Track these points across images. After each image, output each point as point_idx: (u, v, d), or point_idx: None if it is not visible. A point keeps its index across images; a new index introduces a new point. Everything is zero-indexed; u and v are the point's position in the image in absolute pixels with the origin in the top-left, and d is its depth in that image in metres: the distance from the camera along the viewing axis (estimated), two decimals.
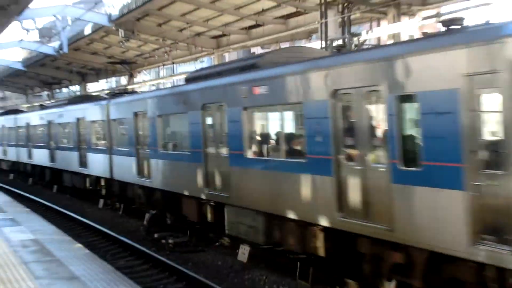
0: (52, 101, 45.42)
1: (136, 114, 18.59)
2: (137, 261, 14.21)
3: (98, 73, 44.53)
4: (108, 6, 29.93)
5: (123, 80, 44.68)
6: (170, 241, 15.43)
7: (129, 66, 31.92)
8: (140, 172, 18.37)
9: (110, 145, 21.13)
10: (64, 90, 54.93)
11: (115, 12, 27.44)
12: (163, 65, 39.01)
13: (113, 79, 49.77)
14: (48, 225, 13.72)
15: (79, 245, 11.74)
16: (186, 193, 15.70)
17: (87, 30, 32.08)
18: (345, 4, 20.78)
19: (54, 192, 28.90)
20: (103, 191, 23.23)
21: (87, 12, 28.37)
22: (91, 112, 23.07)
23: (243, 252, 13.22)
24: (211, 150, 14.50)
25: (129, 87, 34.25)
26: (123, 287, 8.18)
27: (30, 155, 32.35)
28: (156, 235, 16.18)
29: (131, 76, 23.66)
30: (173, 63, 36.55)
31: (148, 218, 17.32)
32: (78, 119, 24.35)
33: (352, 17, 21.40)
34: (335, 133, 9.97)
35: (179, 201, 16.41)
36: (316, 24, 21.67)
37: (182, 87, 16.67)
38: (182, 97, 15.78)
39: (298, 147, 11.64)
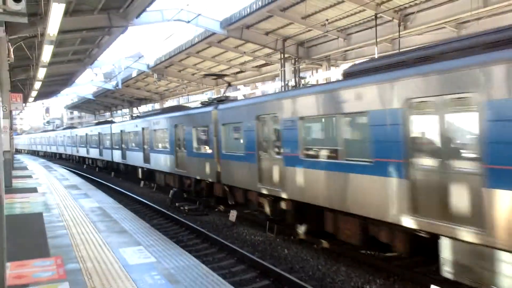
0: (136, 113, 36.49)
1: (258, 118, 11.28)
2: (164, 220, 13.98)
3: (140, 101, 44.22)
4: (147, 58, 30.00)
5: (156, 105, 44.16)
6: (186, 208, 15.15)
7: (226, 79, 23.46)
8: (262, 179, 11.18)
9: (216, 150, 13.76)
10: (119, 112, 54.41)
11: (151, 63, 27.55)
12: (182, 96, 39.06)
13: (150, 105, 49.22)
14: (108, 198, 13.46)
15: (128, 210, 11.50)
16: (347, 210, 8.16)
17: (134, 74, 32.00)
18: (296, 59, 20.98)
19: (112, 177, 28.47)
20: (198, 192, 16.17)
21: (134, 63, 28.26)
22: (191, 119, 15.76)
23: (232, 215, 13.02)
24: (424, 162, 6.65)
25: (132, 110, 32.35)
26: (155, 237, 8.01)
27: (124, 156, 25.17)
28: (177, 204, 15.88)
29: (229, 85, 18.51)
30: (188, 95, 36.67)
31: (172, 193, 17.07)
32: (175, 126, 17.09)
33: (300, 66, 21.55)
34: None
35: (320, 215, 9.38)
36: (278, 71, 21.77)
37: (346, 82, 8.29)
38: (352, 94, 7.95)
39: None
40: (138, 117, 24.05)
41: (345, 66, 22.15)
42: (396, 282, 7.69)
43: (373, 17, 15.83)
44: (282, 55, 20.58)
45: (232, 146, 13.20)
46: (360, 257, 8.93)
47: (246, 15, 16.99)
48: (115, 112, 54.86)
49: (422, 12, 15.37)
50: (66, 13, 12.14)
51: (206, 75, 24.72)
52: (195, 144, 15.67)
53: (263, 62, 24.27)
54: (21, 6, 5.75)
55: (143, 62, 29.01)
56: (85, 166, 36.90)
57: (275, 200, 10.90)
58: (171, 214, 14.23)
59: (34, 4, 11.62)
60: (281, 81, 21.28)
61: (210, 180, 14.48)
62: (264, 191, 11.09)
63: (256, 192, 11.70)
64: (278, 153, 10.54)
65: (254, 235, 11.45)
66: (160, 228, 12.20)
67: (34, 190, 14.98)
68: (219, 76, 23.23)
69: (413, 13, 15.51)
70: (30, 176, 20.43)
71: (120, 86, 32.21)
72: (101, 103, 50.11)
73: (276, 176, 10.60)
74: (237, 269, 8.81)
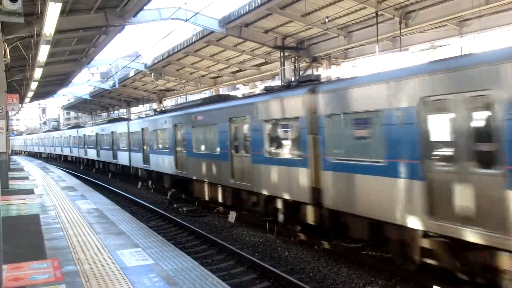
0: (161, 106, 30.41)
1: (426, 101, 6.58)
2: (162, 222, 13.99)
3: (138, 101, 44.26)
4: (144, 58, 30.03)
5: (154, 105, 44.16)
6: (184, 209, 15.19)
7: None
8: (435, 209, 6.48)
9: (314, 154, 9.32)
10: (116, 112, 54.43)
11: (149, 62, 27.57)
12: (180, 95, 39.12)
13: (147, 104, 49.21)
14: (105, 199, 13.46)
15: (125, 212, 11.52)
16: None
17: (131, 73, 32.04)
18: (296, 57, 20.99)
19: (108, 177, 28.45)
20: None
21: (131, 62, 28.28)
22: (261, 109, 11.16)
23: (232, 216, 13.04)
24: None
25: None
26: (154, 239, 8.04)
27: (146, 161, 20.84)
28: (175, 205, 15.90)
29: (313, 60, 14.11)
30: (186, 94, 36.70)
31: (170, 194, 17.07)
32: (230, 119, 12.72)
33: (300, 65, 21.56)
34: None
35: None
36: (277, 70, 21.81)
37: None
38: None
39: None
40: (164, 111, 19.90)
41: (346, 64, 22.13)
42: (398, 283, 7.72)
43: (374, 14, 15.86)
44: (281, 53, 20.61)
45: (352, 149, 8.50)
46: (361, 258, 8.95)
47: (245, 13, 17.02)
48: (111, 112, 54.89)
49: (424, 10, 15.41)
50: (63, 12, 12.17)
51: (276, 48, 20.27)
52: (267, 146, 11.15)
53: (262, 60, 24.31)
54: (18, 6, 5.79)
55: (140, 62, 29.07)
56: (81, 167, 36.90)
57: (459, 246, 6.41)
58: (169, 215, 14.24)
59: (30, 4, 11.67)
60: (281, 80, 21.33)
61: (297, 199, 10.07)
62: (438, 231, 6.52)
63: (409, 229, 7.10)
64: (487, 166, 5.86)
65: (254, 236, 11.46)
66: (158, 230, 12.20)
67: (30, 191, 15.01)
68: (294, 49, 18.87)
69: (414, 10, 15.55)
70: (26, 178, 20.47)
71: (117, 86, 32.28)
72: (98, 103, 50.15)
73: (487, 207, 5.80)
74: (237, 270, 8.84)
